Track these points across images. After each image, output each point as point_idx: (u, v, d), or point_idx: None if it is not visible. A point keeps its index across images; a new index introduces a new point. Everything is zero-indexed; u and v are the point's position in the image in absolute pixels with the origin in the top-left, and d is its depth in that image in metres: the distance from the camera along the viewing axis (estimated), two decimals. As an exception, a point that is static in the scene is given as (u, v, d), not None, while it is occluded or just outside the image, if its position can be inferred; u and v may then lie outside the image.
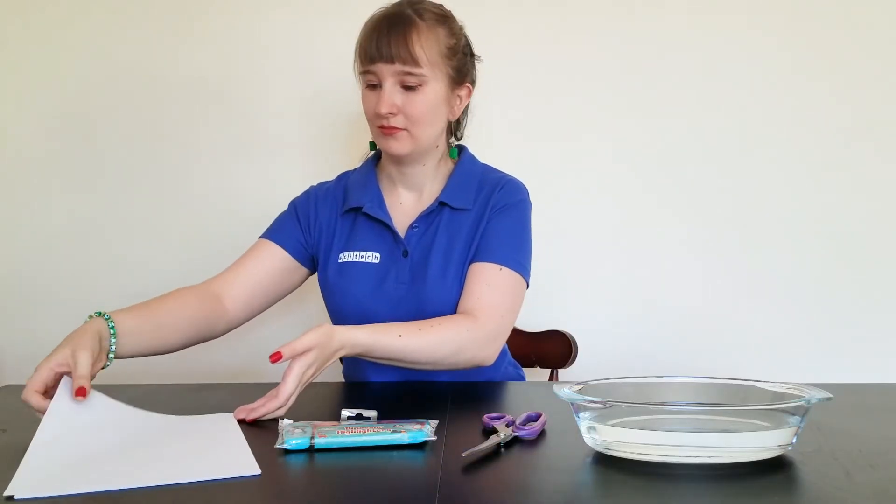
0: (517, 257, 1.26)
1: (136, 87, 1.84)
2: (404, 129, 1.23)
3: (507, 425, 0.87)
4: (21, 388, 0.94)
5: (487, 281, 1.23)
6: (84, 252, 1.86)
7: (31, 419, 0.90)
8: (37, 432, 0.85)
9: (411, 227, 1.30)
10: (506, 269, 1.24)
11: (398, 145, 1.24)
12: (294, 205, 1.38)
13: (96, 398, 0.95)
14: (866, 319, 1.79)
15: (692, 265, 1.81)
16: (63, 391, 0.92)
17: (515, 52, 1.80)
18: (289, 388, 0.97)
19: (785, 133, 1.80)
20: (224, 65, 1.83)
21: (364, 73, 1.23)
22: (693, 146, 1.81)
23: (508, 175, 1.35)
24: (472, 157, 1.37)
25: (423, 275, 1.26)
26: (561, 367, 1.54)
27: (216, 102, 1.84)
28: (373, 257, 1.29)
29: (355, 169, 1.40)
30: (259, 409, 0.97)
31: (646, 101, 1.81)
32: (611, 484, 0.72)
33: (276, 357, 0.96)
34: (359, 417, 0.91)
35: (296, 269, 1.34)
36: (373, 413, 0.92)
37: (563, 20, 1.80)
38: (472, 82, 1.32)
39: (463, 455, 0.77)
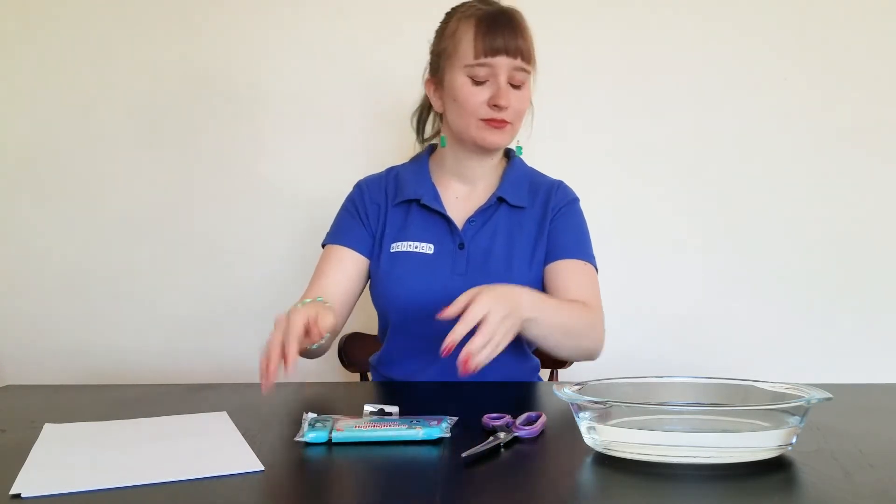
0: (591, 252, 1.34)
1: (141, 85, 1.84)
2: (510, 123, 1.25)
3: (507, 425, 0.87)
4: (21, 388, 0.94)
5: (584, 274, 1.29)
6: (83, 253, 1.86)
7: (30, 419, 0.89)
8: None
9: (469, 220, 1.31)
10: (589, 266, 1.31)
11: (502, 138, 1.26)
12: (350, 201, 1.37)
13: (85, 428, 0.93)
14: (866, 320, 1.79)
15: (692, 265, 1.81)
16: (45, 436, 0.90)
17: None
18: (477, 313, 0.93)
19: (785, 134, 1.80)
20: (230, 63, 1.83)
21: (476, 66, 1.22)
22: (693, 147, 1.81)
23: (553, 178, 1.38)
24: (521, 159, 1.39)
25: (483, 267, 1.27)
26: (561, 368, 1.54)
27: (224, 101, 1.84)
28: (426, 248, 1.30)
29: (404, 164, 1.40)
30: (474, 358, 0.92)
31: (646, 103, 1.81)
32: (611, 484, 0.72)
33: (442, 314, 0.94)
34: (381, 413, 0.91)
35: (368, 266, 1.34)
36: (394, 409, 0.92)
37: (565, 19, 1.80)
38: None
39: (463, 455, 0.77)
